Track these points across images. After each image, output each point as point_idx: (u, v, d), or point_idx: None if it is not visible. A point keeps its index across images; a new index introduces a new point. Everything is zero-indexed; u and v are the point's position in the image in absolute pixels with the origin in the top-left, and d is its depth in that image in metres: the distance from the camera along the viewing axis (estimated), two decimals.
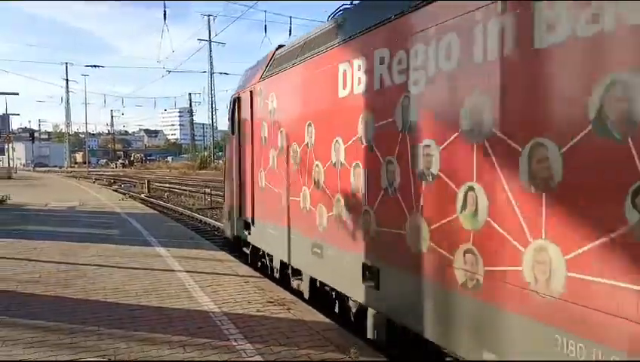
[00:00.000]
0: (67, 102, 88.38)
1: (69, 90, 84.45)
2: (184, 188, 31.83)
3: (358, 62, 5.25)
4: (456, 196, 3.87)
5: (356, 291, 5.49)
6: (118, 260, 9.21)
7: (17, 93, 35.04)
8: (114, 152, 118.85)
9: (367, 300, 5.34)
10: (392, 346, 5.21)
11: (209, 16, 45.48)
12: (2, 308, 6.28)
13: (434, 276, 4.17)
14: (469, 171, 3.74)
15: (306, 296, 7.03)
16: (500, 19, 3.40)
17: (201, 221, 17.98)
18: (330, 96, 5.87)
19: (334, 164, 5.86)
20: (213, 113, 79.14)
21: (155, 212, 19.31)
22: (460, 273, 3.84)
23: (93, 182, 43.41)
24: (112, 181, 44.19)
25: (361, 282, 5.29)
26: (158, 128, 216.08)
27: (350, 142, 5.49)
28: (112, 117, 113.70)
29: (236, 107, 9.77)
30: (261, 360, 4.74)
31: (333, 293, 6.48)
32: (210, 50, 48.84)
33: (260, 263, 9.10)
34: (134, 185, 38.16)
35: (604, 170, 2.75)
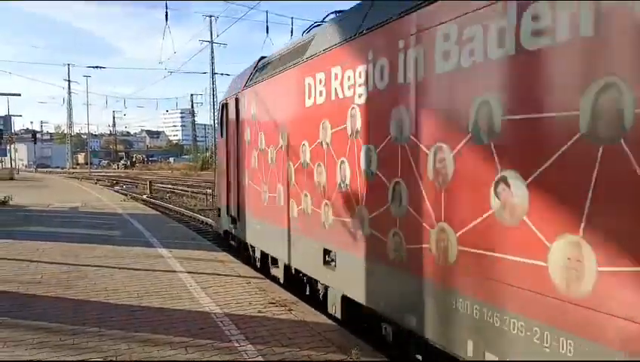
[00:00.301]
0: (69, 103, 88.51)
1: (71, 91, 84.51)
2: (186, 189, 31.84)
3: (319, 77, 6.17)
4: (387, 189, 4.82)
5: (319, 273, 6.41)
6: (119, 261, 9.21)
7: (19, 94, 35.12)
8: (116, 153, 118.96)
9: (327, 280, 6.27)
10: (350, 321, 5.99)
11: (210, 17, 45.53)
12: (4, 309, 6.29)
13: (373, 255, 5.14)
14: (396, 169, 4.69)
15: (282, 281, 7.89)
16: (414, 50, 4.36)
17: (202, 222, 17.99)
18: (298, 106, 6.80)
19: (302, 164, 6.77)
20: (215, 114, 79.31)
21: (157, 213, 19.33)
22: (391, 251, 4.80)
23: (95, 183, 43.45)
24: (114, 182, 44.24)
25: (322, 265, 6.22)
26: (159, 129, 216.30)
27: (314, 145, 6.40)
28: (114, 118, 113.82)
29: (224, 112, 10.73)
30: (263, 361, 4.74)
31: (305, 278, 7.21)
32: (212, 51, 48.90)
33: (252, 256, 9.67)
34: (136, 186, 38.21)
35: (478, 167, 3.68)
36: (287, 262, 7.51)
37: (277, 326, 5.73)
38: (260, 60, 9.33)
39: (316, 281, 6.78)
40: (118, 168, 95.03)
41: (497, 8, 3.45)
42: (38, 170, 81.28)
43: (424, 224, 4.29)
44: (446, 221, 4.03)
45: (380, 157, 4.96)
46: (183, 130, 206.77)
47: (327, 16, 7.23)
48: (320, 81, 6.15)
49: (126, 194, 28.68)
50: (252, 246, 9.47)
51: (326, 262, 6.18)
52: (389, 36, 4.74)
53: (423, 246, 4.31)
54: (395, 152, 4.67)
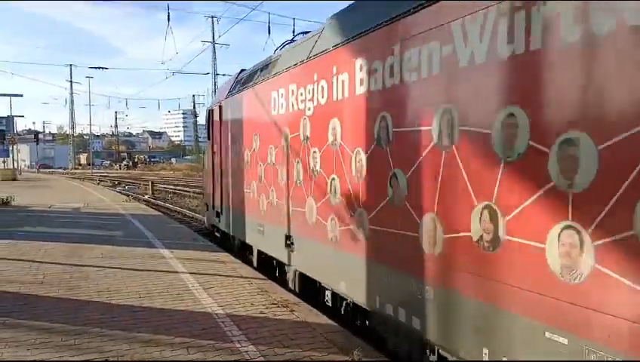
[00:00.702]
0: (71, 104, 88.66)
1: (74, 91, 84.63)
2: (188, 189, 31.85)
3: (281, 92, 7.45)
4: (327, 184, 6.09)
5: (282, 255, 7.73)
6: (121, 261, 9.22)
7: (21, 95, 35.19)
8: (118, 154, 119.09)
9: (288, 260, 7.57)
10: (306, 295, 7.15)
11: (213, 17, 45.51)
12: (7, 309, 6.30)
13: (318, 238, 6.39)
14: (332, 168, 5.97)
15: (255, 264, 9.16)
16: (341, 75, 5.66)
17: (204, 223, 17.98)
18: (267, 115, 8.06)
19: (269, 164, 8.05)
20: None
21: (159, 213, 19.34)
22: (329, 233, 6.09)
23: (98, 183, 43.50)
24: (116, 182, 44.28)
25: (284, 247, 7.54)
26: (162, 130, 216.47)
27: (277, 148, 7.72)
28: (116, 118, 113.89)
29: (210, 118, 11.99)
30: (264, 361, 4.74)
31: (274, 261, 8.39)
32: (214, 52, 48.93)
33: (234, 245, 10.93)
34: (138, 187, 38.25)
35: (380, 165, 4.95)
36: (259, 248, 8.94)
37: (279, 326, 5.73)
38: (240, 73, 10.58)
39: (283, 264, 7.89)
40: (120, 169, 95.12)
41: (395, 51, 4.68)
42: (41, 170, 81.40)
43: (349, 210, 5.62)
44: (362, 206, 5.36)
45: (322, 159, 6.26)
46: (185, 130, 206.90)
47: (295, 36, 8.67)
48: (282, 95, 7.45)
49: (128, 195, 28.70)
50: (233, 237, 10.74)
51: (287, 245, 7.51)
52: (326, 63, 6.04)
53: (349, 227, 5.63)
54: (331, 155, 5.99)
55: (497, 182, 3.53)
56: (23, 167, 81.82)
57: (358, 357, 4.79)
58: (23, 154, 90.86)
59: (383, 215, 4.95)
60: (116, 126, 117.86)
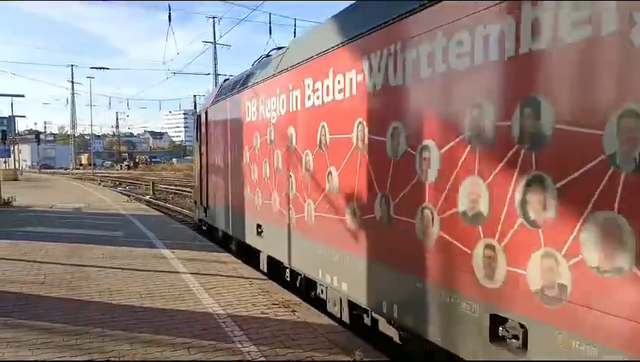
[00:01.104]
0: (72, 104, 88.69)
1: (75, 92, 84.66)
2: (188, 189, 31.88)
3: (254, 102, 8.68)
4: (287, 180, 7.31)
5: (255, 241, 8.98)
6: (122, 262, 9.23)
7: (23, 95, 35.14)
8: (119, 154, 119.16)
9: (259, 246, 8.85)
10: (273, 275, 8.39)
11: (214, 18, 45.46)
12: (8, 309, 6.31)
13: (280, 225, 7.60)
14: (290, 166, 7.18)
15: (234, 249, 10.74)
16: (295, 91, 6.91)
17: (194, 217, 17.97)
18: (241, 122, 9.41)
19: (245, 163, 9.34)
20: None
21: (160, 213, 19.35)
22: (290, 221, 7.27)
23: (99, 183, 43.53)
24: (118, 183, 44.31)
25: (256, 235, 8.77)
26: (162, 130, 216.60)
27: (251, 150, 8.92)
28: (117, 119, 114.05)
29: (198, 122, 13.29)
30: (266, 361, 4.75)
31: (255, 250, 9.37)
32: (215, 52, 48.90)
33: (218, 236, 12.37)
34: (139, 187, 38.26)
35: (321, 164, 6.18)
36: (237, 237, 10.26)
37: (280, 327, 5.72)
38: (224, 82, 11.98)
39: (259, 251, 9.10)
40: (121, 169, 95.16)
41: (328, 75, 5.94)
42: (42, 170, 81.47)
43: (302, 201, 6.80)
44: (310, 198, 6.58)
45: (283, 159, 7.46)
46: (186, 131, 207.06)
47: (270, 51, 9.84)
48: (254, 105, 8.67)
49: (129, 195, 28.71)
50: (217, 229, 12.07)
51: (258, 233, 8.70)
52: (285, 80, 7.28)
53: (302, 215, 6.81)
54: (290, 155, 7.16)
55: (389, 177, 4.82)
56: (24, 167, 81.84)
57: (359, 358, 4.79)
58: (24, 155, 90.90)
59: (323, 204, 6.21)
60: (117, 126, 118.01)
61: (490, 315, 3.63)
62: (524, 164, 3.33)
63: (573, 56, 3.00)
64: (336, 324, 5.88)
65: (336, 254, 5.90)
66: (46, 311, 6.24)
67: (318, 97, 6.23)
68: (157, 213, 19.37)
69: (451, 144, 3.97)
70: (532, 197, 3.27)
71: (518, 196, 3.38)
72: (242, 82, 9.67)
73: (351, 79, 5.44)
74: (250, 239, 9.20)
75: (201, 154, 13.01)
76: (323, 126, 6.11)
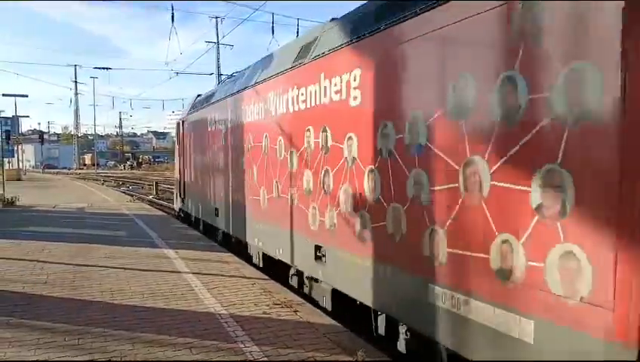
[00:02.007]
0: (76, 104, 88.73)
1: (78, 92, 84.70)
2: None
3: (213, 115, 11.60)
4: (246, 173, 9.18)
5: (214, 221, 11.81)
6: (125, 261, 9.22)
7: (26, 95, 35.33)
8: (122, 154, 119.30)
9: (217, 224, 11.71)
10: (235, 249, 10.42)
11: (217, 18, 45.35)
12: (10, 309, 6.30)
13: (241, 211, 9.51)
14: (231, 165, 10.01)
15: (202, 229, 13.50)
16: (246, 107, 9.07)
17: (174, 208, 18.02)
18: (205, 130, 12.33)
19: (207, 162, 12.23)
20: None
21: (163, 213, 19.35)
22: (230, 204, 10.05)
23: (102, 183, 43.60)
24: (121, 183, 44.36)
25: (215, 217, 11.61)
26: (166, 130, 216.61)
27: (211, 152, 11.83)
28: (120, 119, 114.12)
29: (179, 128, 16.09)
30: (267, 361, 4.72)
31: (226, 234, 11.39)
32: (218, 52, 48.86)
33: (192, 221, 15.02)
34: (142, 187, 38.28)
35: (247, 162, 9.12)
36: (205, 220, 13.13)
37: (282, 327, 5.70)
38: (196, 97, 14.55)
39: (217, 228, 11.90)
40: (124, 169, 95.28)
41: (266, 98, 8.11)
42: (45, 170, 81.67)
43: (258, 187, 8.58)
44: (261, 186, 8.45)
45: (232, 159, 10.05)
46: None
47: (232, 73, 12.59)
48: (215, 117, 11.45)
49: (132, 195, 28.73)
50: (192, 216, 14.71)
51: (216, 215, 11.56)
52: (239, 99, 9.63)
53: (258, 198, 8.63)
54: (241, 154, 9.42)
55: (278, 170, 7.60)
56: (27, 167, 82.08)
57: (361, 358, 4.76)
58: (27, 155, 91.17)
59: (249, 190, 9.00)
60: (120, 126, 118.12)
61: (315, 245, 6.50)
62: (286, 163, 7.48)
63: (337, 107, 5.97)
64: (339, 324, 5.85)
65: (256, 223, 8.84)
66: (48, 311, 6.23)
67: (244, 119, 9.26)
68: (160, 212, 19.37)
69: (301, 150, 6.93)
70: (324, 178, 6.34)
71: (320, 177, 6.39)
72: (206, 100, 12.78)
73: (260, 108, 8.44)
74: (212, 220, 12.18)
75: (179, 156, 16.19)
76: (249, 137, 9.02)
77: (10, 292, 7.13)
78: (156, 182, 34.25)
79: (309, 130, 6.58)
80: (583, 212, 2.95)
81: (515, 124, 3.37)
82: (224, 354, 4.90)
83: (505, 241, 3.45)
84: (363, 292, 5.40)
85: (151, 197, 28.37)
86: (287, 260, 7.56)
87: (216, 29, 45.73)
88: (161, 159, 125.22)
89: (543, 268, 3.20)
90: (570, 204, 3.00)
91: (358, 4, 6.05)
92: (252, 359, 4.78)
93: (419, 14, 4.31)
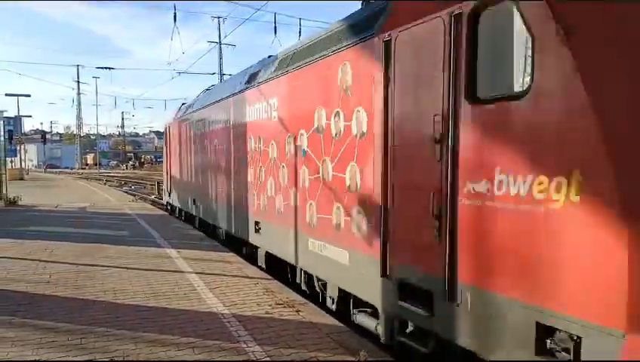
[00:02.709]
0: (78, 104, 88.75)
1: (81, 91, 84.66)
2: None
3: (185, 125, 14.87)
4: (208, 172, 12.45)
5: (193, 210, 14.17)
6: (127, 261, 9.23)
7: (29, 95, 35.47)
8: (124, 154, 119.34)
9: (195, 213, 14.13)
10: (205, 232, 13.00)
11: (219, 18, 45.30)
12: (12, 308, 6.31)
13: (210, 200, 12.17)
14: (203, 163, 12.98)
15: (183, 218, 16.33)
16: (211, 118, 12.01)
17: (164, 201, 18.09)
18: (184, 136, 15.03)
19: (186, 161, 14.89)
20: None
21: (165, 213, 19.35)
22: (203, 193, 12.99)
23: (104, 183, 43.63)
24: (123, 182, 44.37)
25: (193, 205, 14.24)
26: None
27: (189, 153, 14.33)
28: (122, 118, 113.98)
29: (166, 132, 19.12)
30: (270, 361, 4.72)
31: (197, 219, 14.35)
32: (220, 52, 48.86)
33: (175, 212, 18.14)
34: (144, 187, 38.30)
35: (210, 160, 12.21)
36: (185, 210, 15.87)
37: (285, 327, 5.70)
38: (181, 105, 17.26)
39: (194, 216, 14.58)
40: (126, 169, 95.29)
41: (208, 119, 12.35)
42: (48, 170, 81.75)
43: (208, 181, 12.04)
44: (211, 179, 12.08)
45: (210, 158, 12.04)
46: None
47: (209, 87, 15.34)
48: (190, 125, 14.33)
49: (134, 195, 28.75)
50: (176, 207, 17.58)
51: (195, 205, 14.06)
52: (205, 113, 12.46)
53: (220, 189, 11.25)
54: (211, 154, 11.84)
55: (232, 164, 10.31)
56: (30, 166, 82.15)
57: (364, 358, 4.75)
58: (30, 154, 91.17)
59: (215, 182, 11.63)
60: (123, 126, 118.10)
61: (255, 221, 8.93)
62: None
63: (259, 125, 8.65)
64: (342, 325, 5.85)
65: (219, 207, 11.42)
66: (50, 311, 6.24)
67: (208, 128, 12.28)
68: (162, 212, 19.37)
69: (245, 151, 9.37)
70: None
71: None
72: (187, 109, 15.35)
73: (219, 120, 11.25)
74: (191, 210, 14.68)
75: (166, 156, 19.13)
76: (212, 142, 11.79)
77: (12, 291, 7.14)
78: (158, 182, 34.24)
79: (250, 137, 9.06)
80: (363, 189, 5.42)
81: (339, 139, 5.90)
82: (226, 354, 4.89)
83: (337, 208, 6.00)
84: (283, 251, 7.83)
85: (153, 197, 28.37)
86: (238, 235, 10.20)
87: (219, 30, 45.70)
88: (163, 159, 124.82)
89: (350, 221, 5.71)
90: (359, 184, 5.51)
91: (357, 4, 6.39)
92: (254, 359, 4.78)
93: (301, 67, 6.91)
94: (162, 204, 24.20)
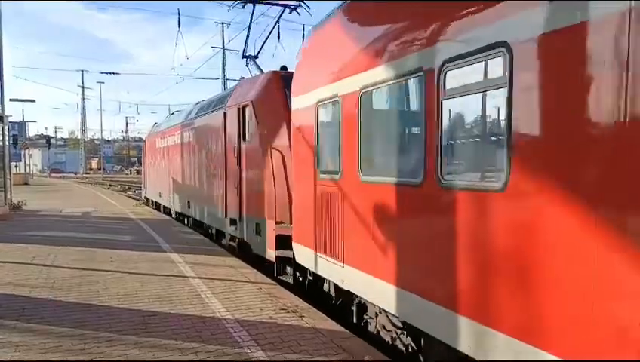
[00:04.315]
0: (83, 109, 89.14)
1: (85, 97, 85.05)
2: None
3: (153, 140, 21.98)
4: (162, 172, 19.91)
5: (160, 200, 21.17)
6: (131, 266, 9.24)
7: (34, 100, 35.62)
8: (128, 159, 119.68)
9: (162, 202, 20.84)
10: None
11: (222, 23, 45.57)
12: (17, 313, 6.32)
13: (167, 191, 19.06)
14: (163, 167, 19.91)
15: (154, 206, 22.66)
16: (167, 138, 19.32)
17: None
18: (159, 145, 20.51)
19: (154, 166, 21.93)
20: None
21: (168, 218, 19.37)
22: (168, 188, 18.96)
23: (108, 188, 43.76)
24: (127, 187, 44.49)
25: (159, 197, 21.20)
26: None
27: (156, 160, 21.45)
28: (126, 123, 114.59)
29: (144, 144, 25.83)
30: None
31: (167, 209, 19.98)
32: (224, 58, 49.05)
33: (152, 204, 23.71)
34: None
35: (165, 168, 19.79)
36: (157, 201, 21.70)
37: (288, 332, 5.69)
38: (154, 125, 23.82)
39: (159, 204, 21.37)
40: (130, 173, 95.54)
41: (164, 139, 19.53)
42: (52, 175, 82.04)
43: (167, 179, 18.65)
44: (169, 177, 18.31)
45: (165, 163, 19.22)
46: None
47: (173, 112, 23.61)
48: (156, 142, 20.85)
49: (138, 199, 28.80)
50: (151, 200, 23.03)
51: (160, 196, 20.65)
52: (161, 134, 20.49)
53: (167, 185, 18.85)
54: (166, 163, 19.11)
55: (182, 169, 16.71)
56: (34, 171, 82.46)
57: None
58: (34, 159, 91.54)
59: (172, 181, 17.64)
60: (127, 131, 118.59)
61: (187, 200, 15.72)
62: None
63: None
64: (345, 330, 5.83)
65: (171, 194, 17.90)
66: (55, 315, 6.24)
67: (163, 144, 19.12)
68: (165, 216, 19.41)
69: (174, 161, 17.27)
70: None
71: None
72: (156, 129, 21.73)
73: (166, 141, 18.65)
74: (159, 199, 20.90)
75: (144, 162, 25.82)
76: (164, 153, 19.05)
77: (16, 296, 7.15)
78: None
79: (182, 154, 15.75)
80: (248, 186, 10.06)
81: (217, 152, 12.16)
82: (230, 359, 4.88)
83: (212, 185, 12.68)
84: (205, 219, 13.44)
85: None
86: (174, 208, 17.72)
87: (222, 35, 45.90)
88: (142, 165, 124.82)
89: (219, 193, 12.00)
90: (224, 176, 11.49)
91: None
92: None
93: (200, 116, 13.88)
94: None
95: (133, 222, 16.50)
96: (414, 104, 4.82)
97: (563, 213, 3.09)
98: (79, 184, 51.04)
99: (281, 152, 8.67)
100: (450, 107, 4.16)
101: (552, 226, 3.16)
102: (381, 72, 5.06)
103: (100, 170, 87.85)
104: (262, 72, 10.90)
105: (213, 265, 9.35)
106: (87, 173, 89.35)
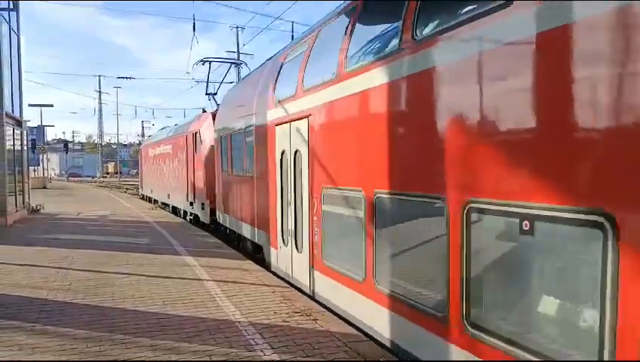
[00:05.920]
0: (100, 114, 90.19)
1: (102, 101, 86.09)
2: None
3: (147, 149, 31.10)
4: (157, 173, 26.63)
5: (156, 197, 27.21)
6: (146, 269, 9.30)
7: (52, 105, 36.15)
8: None
9: (156, 198, 27.45)
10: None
11: (237, 27, 45.81)
12: (34, 316, 6.39)
13: (159, 188, 26.21)
14: (159, 169, 26.06)
15: (152, 204, 27.78)
16: (160, 147, 26.63)
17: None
18: (150, 153, 28.82)
19: (149, 168, 29.62)
20: None
21: (183, 221, 19.49)
22: (160, 185, 26.03)
23: (124, 191, 44.20)
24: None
25: (150, 193, 29.39)
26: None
27: (151, 164, 28.83)
28: (142, 127, 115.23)
29: (140, 151, 36.13)
30: None
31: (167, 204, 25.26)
32: (239, 66, 49.34)
33: (147, 199, 31.23)
34: None
35: (161, 170, 25.85)
36: (154, 198, 27.65)
37: (302, 335, 5.67)
38: (148, 137, 42.27)
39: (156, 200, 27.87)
40: None
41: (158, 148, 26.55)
42: (70, 179, 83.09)
43: (162, 179, 24.86)
44: (162, 177, 25.03)
45: (158, 166, 25.70)
46: None
47: (164, 128, 30.20)
48: (150, 150, 28.72)
49: (155, 202, 29.01)
50: (149, 197, 29.69)
51: (151, 192, 28.57)
52: (152, 144, 29.09)
53: (163, 183, 24.68)
54: (161, 167, 24.89)
55: (173, 173, 23.12)
56: (52, 175, 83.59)
57: None
58: (52, 163, 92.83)
59: (167, 182, 23.09)
60: (143, 135, 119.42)
61: (167, 193, 23.39)
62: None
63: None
64: (359, 333, 5.80)
65: (160, 190, 25.17)
66: (71, 318, 6.31)
67: (154, 153, 26.56)
68: (180, 219, 19.54)
69: (165, 165, 24.08)
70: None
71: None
72: (148, 141, 31.10)
73: (156, 151, 26.14)
74: (150, 194, 28.29)
75: (141, 166, 32.51)
76: (157, 159, 25.71)
77: (34, 298, 7.23)
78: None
79: (164, 160, 23.33)
80: (197, 181, 17.31)
81: (182, 162, 19.98)
82: None
83: (181, 192, 20.28)
84: (178, 205, 20.75)
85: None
86: (160, 199, 25.38)
87: (237, 39, 46.11)
88: (140, 168, 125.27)
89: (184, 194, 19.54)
90: (185, 179, 19.28)
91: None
92: None
93: (171, 137, 22.68)
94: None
95: (149, 225, 16.64)
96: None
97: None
98: (96, 187, 51.63)
99: (212, 160, 14.88)
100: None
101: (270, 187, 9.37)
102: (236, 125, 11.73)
103: (116, 173, 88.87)
104: (218, 105, 16.70)
105: (227, 268, 9.37)
106: (104, 177, 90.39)
